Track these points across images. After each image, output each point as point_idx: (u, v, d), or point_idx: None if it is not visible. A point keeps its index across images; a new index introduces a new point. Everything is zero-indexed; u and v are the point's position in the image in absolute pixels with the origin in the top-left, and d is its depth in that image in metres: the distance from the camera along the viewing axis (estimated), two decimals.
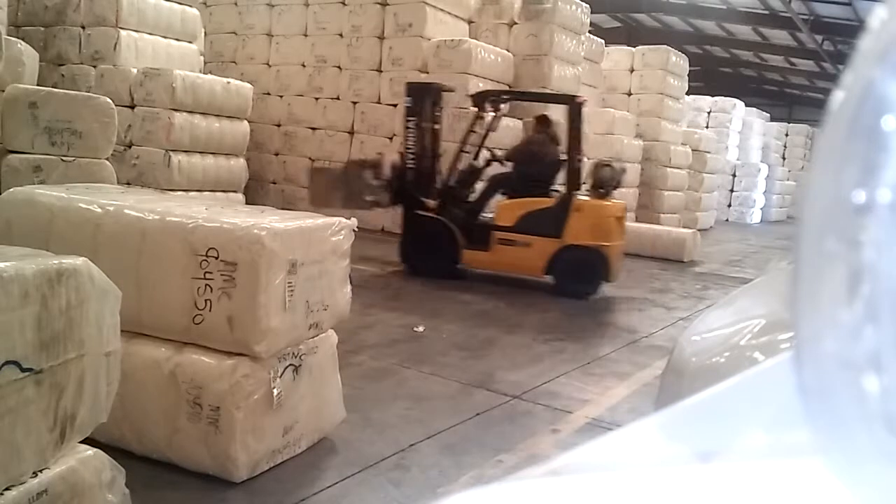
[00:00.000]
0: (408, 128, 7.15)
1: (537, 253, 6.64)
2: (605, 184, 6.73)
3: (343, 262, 2.99)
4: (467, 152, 7.18)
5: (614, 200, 6.90)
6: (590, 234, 6.52)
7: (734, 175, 21.13)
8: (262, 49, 11.56)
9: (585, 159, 7.14)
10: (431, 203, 6.94)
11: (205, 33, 11.02)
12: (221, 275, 2.54)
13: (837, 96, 0.32)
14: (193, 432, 2.56)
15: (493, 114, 7.25)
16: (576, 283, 6.64)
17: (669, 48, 14.75)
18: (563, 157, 6.87)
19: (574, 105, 6.86)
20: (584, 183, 6.82)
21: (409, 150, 7.11)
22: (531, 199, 6.69)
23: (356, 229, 3.05)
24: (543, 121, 7.19)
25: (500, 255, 6.77)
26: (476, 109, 7.21)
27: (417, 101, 7.18)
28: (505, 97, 7.62)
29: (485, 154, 7.23)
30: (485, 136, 7.28)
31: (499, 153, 7.14)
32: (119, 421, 2.40)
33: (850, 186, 0.30)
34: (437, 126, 7.27)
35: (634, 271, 8.92)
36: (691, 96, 18.33)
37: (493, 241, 6.75)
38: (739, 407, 0.48)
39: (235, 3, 11.82)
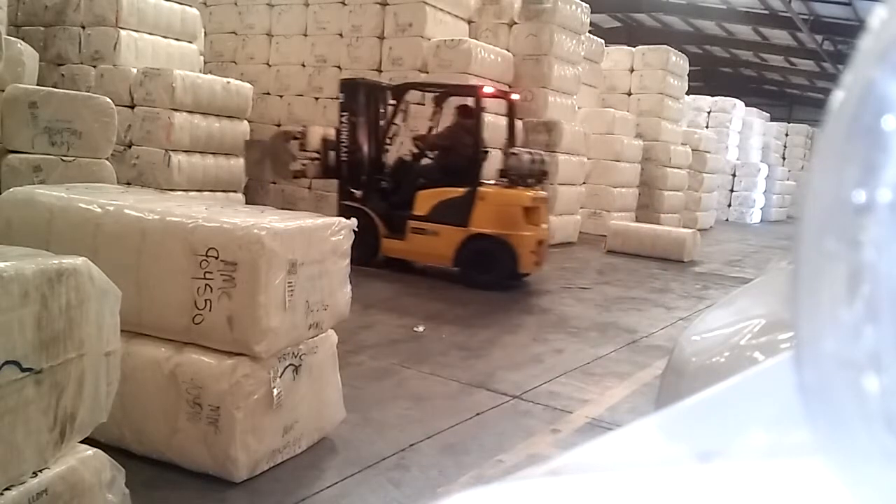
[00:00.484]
0: (341, 122, 7.38)
1: (445, 241, 6.72)
2: (510, 173, 6.80)
3: (343, 262, 2.99)
4: (391, 144, 7.38)
5: (536, 190, 6.92)
6: (493, 223, 6.55)
7: (734, 175, 21.14)
8: (262, 49, 11.56)
9: (507, 150, 7.23)
10: (359, 193, 7.21)
11: (205, 33, 11.02)
12: (221, 275, 2.54)
13: (837, 96, 0.32)
14: (193, 432, 2.56)
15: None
16: (480, 273, 6.65)
17: (669, 48, 14.75)
18: (493, 146, 7.15)
19: (479, 95, 6.94)
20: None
21: (343, 144, 7.33)
22: (445, 189, 6.79)
23: (356, 229, 3.06)
24: (462, 112, 7.21)
25: (413, 244, 6.90)
26: (395, 102, 7.35)
27: (349, 96, 7.40)
28: (419, 88, 7.83)
29: (409, 146, 7.47)
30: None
31: (421, 145, 7.36)
32: (119, 421, 2.41)
33: (851, 186, 0.30)
34: (373, 121, 7.47)
35: (634, 271, 8.93)
36: (691, 96, 18.34)
37: (408, 230, 6.90)
38: (739, 407, 0.48)
39: (235, 3, 11.81)
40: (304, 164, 7.42)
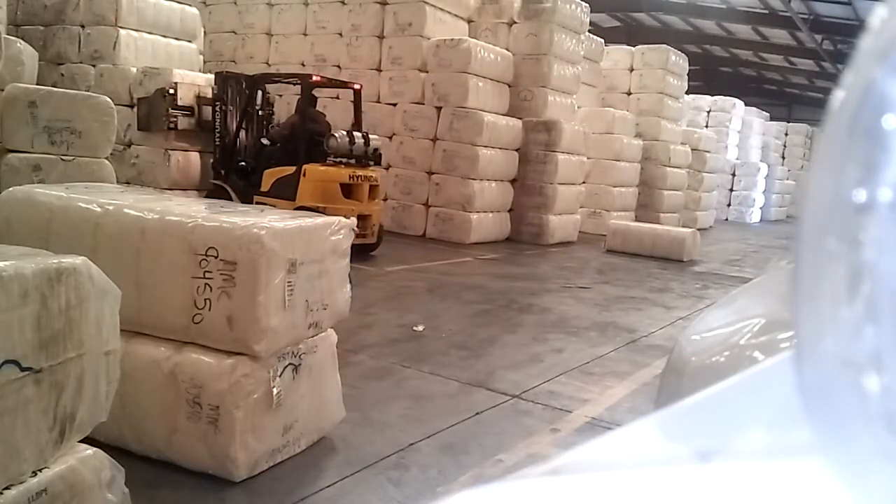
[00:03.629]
0: (214, 111, 8.16)
1: None
2: (330, 152, 7.39)
3: (343, 262, 2.99)
4: (245, 129, 8.25)
5: (366, 170, 7.54)
6: (313, 197, 7.23)
7: (734, 174, 21.16)
8: (262, 48, 11.56)
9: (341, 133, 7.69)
10: (222, 172, 8.06)
11: (204, 32, 11.03)
12: (221, 274, 2.54)
13: (838, 95, 0.32)
14: (193, 432, 2.56)
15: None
16: None
17: (669, 47, 14.76)
18: (336, 130, 7.69)
19: (304, 83, 7.74)
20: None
21: (216, 131, 8.15)
22: (281, 168, 7.56)
23: (356, 229, 3.06)
24: (303, 99, 7.90)
25: None
26: (249, 91, 8.13)
27: (220, 88, 8.22)
28: (268, 80, 8.60)
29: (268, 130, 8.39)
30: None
31: (271, 129, 8.33)
32: (119, 420, 2.40)
33: (851, 186, 0.30)
34: (237, 108, 8.24)
35: (634, 271, 8.93)
36: (691, 95, 18.35)
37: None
38: (739, 407, 0.48)
39: (235, 3, 11.81)
40: (174, 118, 8.05)
